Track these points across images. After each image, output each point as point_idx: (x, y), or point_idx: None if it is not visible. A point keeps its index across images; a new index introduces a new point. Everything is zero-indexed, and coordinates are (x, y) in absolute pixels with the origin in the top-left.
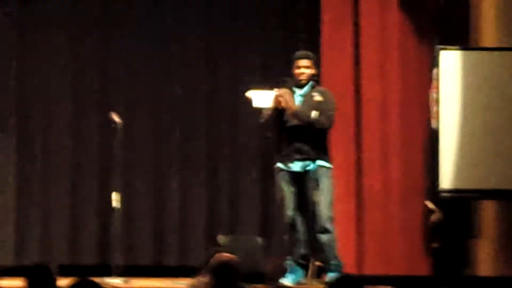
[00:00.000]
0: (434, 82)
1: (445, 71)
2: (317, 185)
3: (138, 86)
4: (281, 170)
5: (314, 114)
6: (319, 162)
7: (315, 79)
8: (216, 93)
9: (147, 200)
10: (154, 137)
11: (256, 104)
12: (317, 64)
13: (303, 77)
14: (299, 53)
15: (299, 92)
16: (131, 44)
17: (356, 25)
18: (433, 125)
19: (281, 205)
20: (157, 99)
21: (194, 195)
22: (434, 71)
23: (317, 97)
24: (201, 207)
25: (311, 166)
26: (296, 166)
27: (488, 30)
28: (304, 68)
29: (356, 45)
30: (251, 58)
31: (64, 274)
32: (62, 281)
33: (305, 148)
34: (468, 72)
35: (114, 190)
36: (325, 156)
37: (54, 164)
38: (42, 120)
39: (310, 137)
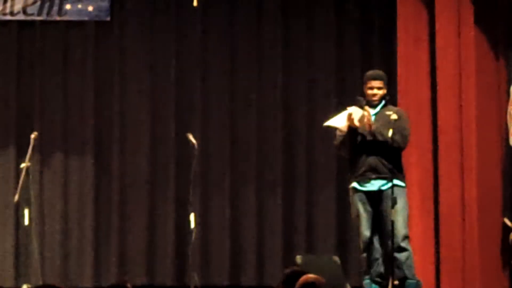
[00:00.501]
0: (511, 98)
1: None
2: (394, 204)
3: (213, 107)
4: (356, 190)
5: (390, 132)
6: (395, 182)
7: (387, 98)
8: (292, 112)
9: (223, 220)
10: (230, 157)
11: (333, 125)
12: (389, 82)
13: (375, 98)
14: (371, 73)
15: (372, 111)
16: (206, 62)
17: (432, 40)
18: (511, 141)
19: (357, 225)
20: (233, 119)
21: (270, 215)
22: (511, 87)
23: (393, 116)
24: (278, 226)
25: (386, 185)
26: (372, 186)
27: None
28: (376, 89)
29: (432, 63)
30: (327, 77)
31: None
32: None
33: (381, 167)
34: None
35: (191, 211)
36: (400, 175)
37: (131, 186)
38: (119, 141)
39: (385, 156)
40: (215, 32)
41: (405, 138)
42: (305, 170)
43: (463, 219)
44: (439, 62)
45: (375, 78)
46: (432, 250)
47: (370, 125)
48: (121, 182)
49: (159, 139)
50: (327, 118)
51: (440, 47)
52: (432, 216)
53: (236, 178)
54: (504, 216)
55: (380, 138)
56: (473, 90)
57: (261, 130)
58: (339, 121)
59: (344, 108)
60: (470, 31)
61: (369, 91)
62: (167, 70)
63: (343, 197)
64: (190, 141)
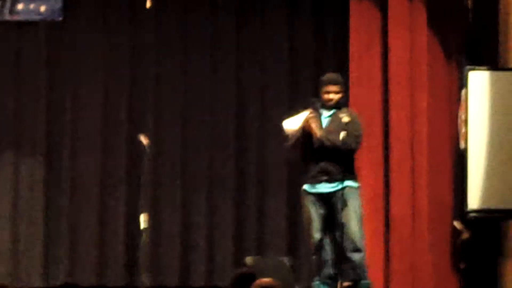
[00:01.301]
0: (462, 102)
1: (474, 92)
2: (346, 205)
3: (165, 107)
4: (308, 192)
5: (342, 134)
6: (347, 183)
7: (342, 101)
8: (245, 115)
9: (174, 221)
10: (181, 158)
11: (288, 128)
12: (345, 86)
13: (331, 103)
14: (328, 77)
15: (326, 113)
16: (160, 64)
17: (385, 45)
18: (462, 145)
19: (308, 227)
20: (184, 120)
21: (221, 216)
22: (463, 91)
23: (345, 118)
24: (229, 228)
25: (338, 187)
26: (323, 187)
27: None
28: (333, 93)
29: (385, 66)
30: (280, 80)
31: None
32: None
33: (332, 169)
34: (497, 93)
35: (142, 211)
36: (352, 176)
37: (82, 185)
38: (70, 141)
39: (337, 158)
40: (168, 33)
41: (357, 139)
42: (256, 173)
43: (414, 222)
44: (391, 66)
45: (331, 83)
46: (382, 252)
47: (315, 133)
48: (72, 182)
49: (111, 140)
50: (279, 122)
51: (392, 50)
52: (382, 219)
53: (187, 179)
54: (454, 219)
55: (327, 143)
56: (425, 94)
57: (213, 131)
58: (295, 123)
59: (299, 111)
60: (423, 35)
61: (325, 96)
62: (120, 70)
63: (294, 200)
64: (142, 142)
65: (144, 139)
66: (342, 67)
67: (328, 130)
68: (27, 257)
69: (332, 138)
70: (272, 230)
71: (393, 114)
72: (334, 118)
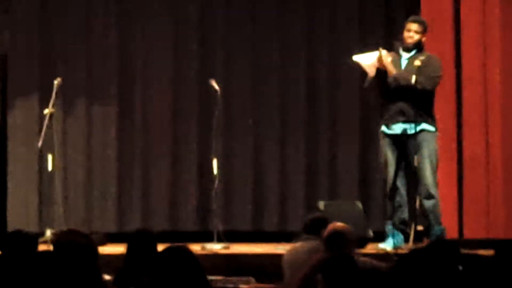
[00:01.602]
0: None
1: None
2: (420, 150)
3: (236, 53)
4: (385, 134)
5: (413, 78)
6: (423, 126)
7: (422, 45)
8: (315, 59)
9: (246, 167)
10: (252, 104)
11: (362, 62)
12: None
13: (410, 40)
14: (411, 17)
15: (406, 55)
16: (229, 11)
17: (457, 12)
18: None
19: (384, 170)
20: (255, 66)
21: (293, 161)
22: None
23: (417, 62)
24: (300, 172)
25: (413, 129)
26: (398, 128)
27: None
28: (413, 32)
29: (457, 17)
30: (350, 30)
31: (165, 240)
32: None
33: (408, 110)
34: None
35: (214, 157)
36: (429, 119)
37: (154, 132)
38: (142, 89)
39: (413, 99)
40: None
41: (431, 80)
42: (328, 116)
43: (487, 164)
44: (463, 17)
45: (413, 21)
46: (455, 194)
47: (390, 71)
48: (144, 128)
49: (182, 85)
50: (350, 63)
51: (464, 15)
52: (455, 162)
53: (259, 124)
54: None
55: (403, 83)
56: (498, 37)
57: (283, 77)
58: (367, 59)
59: (374, 49)
60: None
61: (406, 33)
62: (189, 16)
63: (365, 143)
64: (213, 87)
65: (215, 84)
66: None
67: (405, 70)
68: (100, 204)
69: (407, 77)
70: (344, 174)
71: (466, 59)
72: (412, 60)
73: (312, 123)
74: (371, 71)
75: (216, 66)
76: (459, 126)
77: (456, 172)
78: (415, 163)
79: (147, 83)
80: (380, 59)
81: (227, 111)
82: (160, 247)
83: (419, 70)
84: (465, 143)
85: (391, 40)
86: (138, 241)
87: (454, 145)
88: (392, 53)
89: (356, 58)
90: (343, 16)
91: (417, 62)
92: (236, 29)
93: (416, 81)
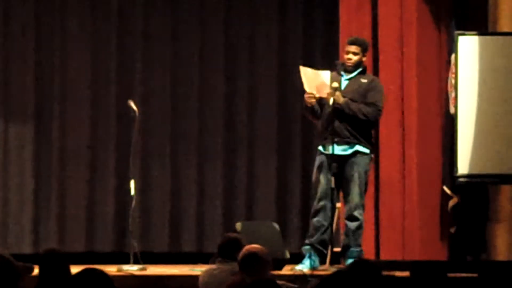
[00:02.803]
0: (452, 67)
1: (463, 57)
2: (351, 171)
3: (155, 74)
4: (321, 153)
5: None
6: (356, 147)
7: (363, 66)
8: (234, 76)
9: (164, 187)
10: (171, 124)
11: (307, 76)
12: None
13: (349, 63)
14: (350, 38)
15: (346, 76)
16: (148, 31)
17: (375, 10)
18: (451, 110)
19: (314, 188)
20: (174, 86)
21: (211, 182)
22: (452, 56)
23: (363, 80)
24: (218, 193)
25: (348, 150)
26: (333, 149)
27: (506, 15)
28: (351, 53)
29: (374, 31)
30: (268, 45)
31: (81, 262)
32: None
33: (343, 131)
34: (486, 58)
35: (132, 178)
36: (363, 141)
37: (71, 152)
38: (59, 107)
39: (351, 122)
40: None
41: (375, 113)
42: (246, 137)
43: (403, 187)
44: (381, 32)
45: (351, 43)
46: (372, 217)
47: (338, 101)
48: (61, 148)
49: (100, 105)
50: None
51: (382, 15)
52: (372, 183)
53: (177, 145)
54: (443, 184)
55: (347, 111)
56: (414, 59)
57: (202, 97)
58: (314, 77)
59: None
60: (413, 0)
61: (345, 56)
62: (108, 34)
63: (284, 163)
64: (131, 107)
65: (133, 105)
66: (331, 32)
67: (345, 91)
68: (16, 224)
69: (353, 108)
70: (262, 195)
71: (383, 79)
72: (354, 81)
73: (230, 143)
74: (309, 87)
75: (135, 87)
76: (376, 148)
77: (373, 194)
78: (345, 185)
79: (64, 102)
80: (321, 90)
81: (145, 131)
82: (76, 269)
83: (363, 89)
84: (381, 166)
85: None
86: (49, 262)
87: (371, 168)
88: (334, 73)
89: (303, 70)
90: (262, 35)
91: (363, 80)
92: (154, 48)
93: (363, 113)
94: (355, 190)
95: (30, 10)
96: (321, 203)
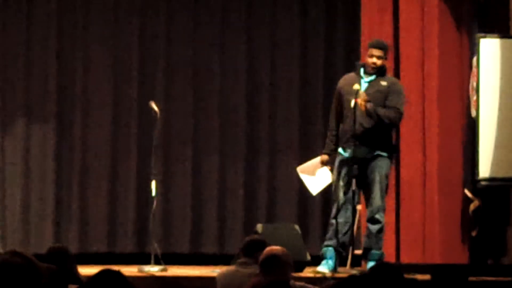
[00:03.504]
0: (473, 70)
1: (485, 59)
2: (373, 174)
3: (177, 75)
4: (341, 155)
5: (353, 102)
6: (378, 151)
7: (384, 68)
8: (255, 81)
9: (185, 189)
10: (193, 125)
11: (304, 177)
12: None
13: (373, 66)
14: (374, 41)
15: (367, 78)
16: (171, 33)
17: (396, 12)
18: (472, 114)
19: (335, 190)
20: (195, 88)
21: (232, 183)
22: (474, 59)
23: (383, 82)
24: (240, 195)
25: (369, 153)
26: (355, 153)
27: None
28: (376, 58)
29: (396, 33)
30: (290, 46)
31: (102, 262)
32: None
33: (365, 134)
34: (508, 60)
35: (153, 179)
36: (385, 145)
37: (93, 153)
38: (81, 109)
39: (373, 124)
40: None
41: (398, 115)
42: (267, 139)
43: (424, 190)
44: (402, 34)
45: (375, 47)
46: (392, 220)
47: (365, 106)
48: (82, 149)
49: (121, 106)
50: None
51: (403, 18)
52: (393, 186)
53: (198, 146)
54: (465, 187)
55: (374, 116)
56: (435, 62)
57: (223, 98)
58: (311, 170)
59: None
60: (434, 2)
61: (369, 59)
62: (130, 36)
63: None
64: (153, 109)
65: (154, 106)
66: (353, 36)
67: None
68: (38, 224)
69: (380, 113)
70: (283, 197)
71: (404, 83)
72: (374, 84)
73: (251, 145)
74: (315, 184)
75: (156, 88)
76: (397, 151)
77: (394, 197)
78: (367, 188)
79: (86, 103)
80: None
81: (167, 133)
82: (96, 269)
83: (383, 92)
84: (402, 169)
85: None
86: (53, 260)
87: (392, 170)
88: (353, 74)
89: (301, 171)
90: (283, 36)
91: (384, 82)
92: (176, 50)
93: (388, 118)
94: (376, 193)
95: (52, 12)
96: (342, 205)
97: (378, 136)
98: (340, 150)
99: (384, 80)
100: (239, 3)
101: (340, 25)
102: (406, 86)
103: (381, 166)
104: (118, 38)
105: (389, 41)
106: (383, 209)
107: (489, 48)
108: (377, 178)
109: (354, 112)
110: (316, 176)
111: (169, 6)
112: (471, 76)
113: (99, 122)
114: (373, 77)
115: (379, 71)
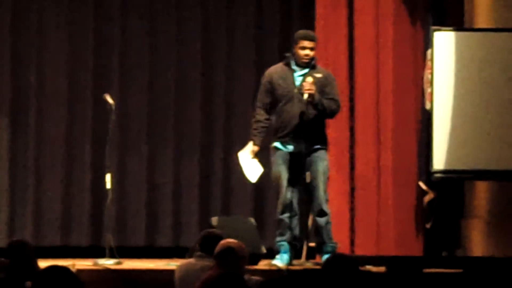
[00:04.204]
0: (428, 63)
1: (439, 52)
2: (315, 167)
3: (132, 67)
4: (278, 149)
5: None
6: (317, 144)
7: (315, 59)
8: (211, 72)
9: (140, 182)
10: (148, 118)
11: (243, 163)
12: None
13: (306, 58)
14: (304, 32)
15: (300, 72)
16: (126, 25)
17: (351, 5)
18: (427, 106)
19: (277, 185)
20: (151, 80)
21: (187, 176)
22: (428, 52)
23: (317, 74)
24: (195, 188)
25: (310, 147)
26: (293, 147)
27: (482, 11)
28: (309, 49)
29: (351, 26)
30: (246, 38)
31: (56, 255)
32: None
33: (303, 129)
34: (462, 53)
35: (108, 172)
36: (323, 138)
37: (47, 145)
38: (35, 102)
39: (310, 119)
40: None
41: (337, 104)
42: (222, 132)
43: (379, 183)
44: (357, 28)
45: (307, 38)
46: (347, 212)
47: (313, 97)
48: (37, 142)
49: (76, 99)
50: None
51: (358, 10)
52: (347, 179)
53: (153, 139)
54: (419, 179)
55: (320, 107)
56: (390, 55)
57: (179, 91)
58: (248, 159)
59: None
60: None
61: (301, 51)
62: (85, 29)
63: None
64: (108, 101)
65: (109, 99)
66: (308, 26)
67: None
68: None
69: (325, 104)
70: (238, 190)
71: (359, 75)
72: (308, 76)
73: (206, 138)
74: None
75: (111, 80)
76: (352, 143)
77: (349, 190)
78: (308, 180)
79: (40, 96)
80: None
81: (122, 126)
82: (48, 263)
83: (319, 82)
84: (357, 161)
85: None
86: (14, 254)
87: (346, 162)
88: (282, 66)
89: (242, 157)
90: (239, 32)
91: (318, 74)
92: (131, 43)
93: (330, 107)
94: (320, 186)
95: (6, 6)
96: (289, 197)
97: (318, 128)
98: (277, 144)
99: (318, 72)
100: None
101: (295, 19)
102: (361, 79)
103: (322, 159)
104: (72, 32)
105: (344, 36)
106: (327, 200)
107: (443, 41)
108: (320, 170)
109: (306, 105)
110: (252, 164)
111: (124, 3)
112: (426, 69)
113: (54, 115)
114: (306, 70)
115: (311, 63)
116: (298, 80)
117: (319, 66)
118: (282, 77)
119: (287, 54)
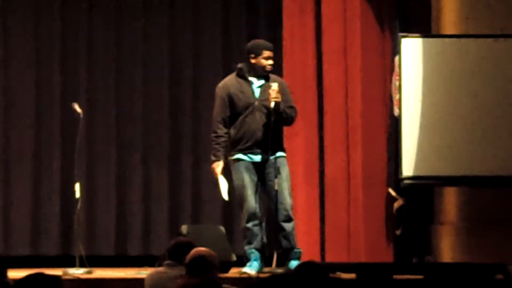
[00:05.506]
0: (396, 69)
1: (407, 59)
2: (279, 174)
3: (100, 76)
4: (241, 160)
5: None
6: (279, 152)
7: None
8: (179, 79)
9: (109, 190)
10: (116, 127)
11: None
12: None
13: (270, 68)
14: (267, 43)
15: (258, 82)
16: (92, 34)
17: (318, 12)
18: (395, 112)
19: (242, 195)
20: (118, 90)
21: (156, 185)
22: (396, 58)
23: (274, 83)
24: (164, 197)
25: (271, 156)
26: (257, 157)
27: (449, 17)
28: (271, 59)
29: (318, 33)
30: (213, 47)
31: (26, 265)
32: (25, 272)
33: (264, 139)
34: (430, 60)
35: (76, 181)
36: (282, 145)
37: (15, 155)
38: (3, 110)
39: (270, 128)
40: None
41: (295, 110)
42: (191, 141)
43: (349, 189)
44: (325, 33)
45: (270, 48)
46: (317, 219)
47: (279, 104)
48: (5, 151)
49: (44, 109)
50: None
51: (325, 17)
52: (317, 185)
53: (122, 148)
54: (388, 186)
55: (284, 115)
56: (358, 61)
57: (147, 99)
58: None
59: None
60: (356, 2)
61: (265, 61)
62: (52, 37)
63: (228, 167)
64: (76, 110)
65: (77, 107)
66: (275, 35)
67: (262, 97)
68: None
69: (288, 112)
70: (208, 198)
71: (327, 82)
72: (266, 87)
73: (175, 145)
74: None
75: (79, 89)
76: (321, 149)
77: (318, 196)
78: (275, 188)
79: (8, 104)
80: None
81: (90, 134)
82: (21, 273)
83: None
84: (326, 168)
85: None
86: None
87: (316, 169)
88: (235, 77)
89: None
90: (206, 38)
91: (275, 87)
92: (98, 51)
93: (291, 115)
94: (285, 192)
95: None
96: (254, 206)
97: (278, 136)
98: (240, 156)
99: (274, 81)
100: (162, 7)
101: (262, 27)
102: (329, 85)
103: (284, 165)
104: (39, 38)
105: (311, 43)
106: (292, 206)
107: (411, 47)
108: (284, 177)
109: (274, 113)
110: (221, 180)
111: (91, 5)
112: (394, 75)
113: (22, 123)
114: (262, 80)
115: (267, 74)
116: (257, 92)
117: (271, 75)
118: (239, 90)
119: (239, 66)
